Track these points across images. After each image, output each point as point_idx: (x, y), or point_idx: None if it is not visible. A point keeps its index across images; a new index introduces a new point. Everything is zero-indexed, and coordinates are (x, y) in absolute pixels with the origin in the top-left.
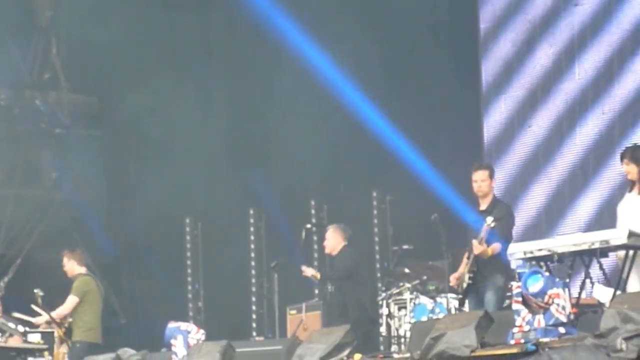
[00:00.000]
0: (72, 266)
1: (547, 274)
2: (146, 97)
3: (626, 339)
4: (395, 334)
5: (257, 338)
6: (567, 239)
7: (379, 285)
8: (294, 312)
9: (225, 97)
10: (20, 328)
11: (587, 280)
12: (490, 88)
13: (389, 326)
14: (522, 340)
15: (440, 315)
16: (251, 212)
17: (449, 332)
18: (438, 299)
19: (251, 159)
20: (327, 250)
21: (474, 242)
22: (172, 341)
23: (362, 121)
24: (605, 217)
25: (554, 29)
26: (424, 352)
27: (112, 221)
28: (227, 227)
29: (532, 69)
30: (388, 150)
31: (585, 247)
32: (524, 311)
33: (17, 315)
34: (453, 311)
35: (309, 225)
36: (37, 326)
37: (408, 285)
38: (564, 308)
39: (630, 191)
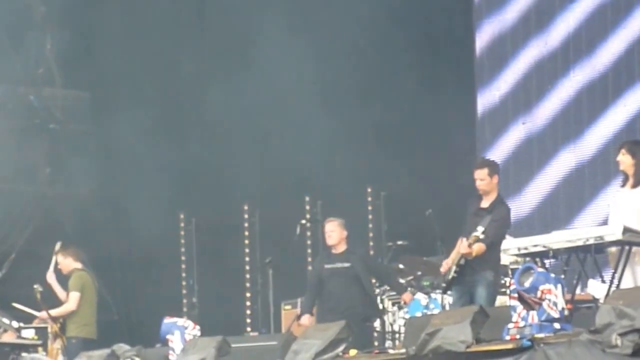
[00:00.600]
0: (69, 263)
1: (540, 269)
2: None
3: (621, 335)
4: (390, 330)
5: (251, 333)
6: (562, 235)
7: (373, 281)
8: (288, 307)
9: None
10: (15, 323)
11: (582, 276)
12: (485, 83)
13: (383, 322)
14: (518, 336)
15: (435, 311)
16: (245, 207)
17: (444, 328)
18: (432, 295)
19: (246, 156)
20: (333, 242)
21: (463, 242)
22: (169, 337)
23: (356, 116)
24: (599, 214)
25: (549, 25)
26: (419, 347)
27: (106, 217)
28: (221, 223)
29: (526, 65)
30: (382, 146)
31: (580, 243)
32: (520, 307)
33: (17, 305)
34: (447, 307)
35: (303, 221)
36: (40, 320)
37: (402, 281)
38: (555, 304)
39: (623, 186)
